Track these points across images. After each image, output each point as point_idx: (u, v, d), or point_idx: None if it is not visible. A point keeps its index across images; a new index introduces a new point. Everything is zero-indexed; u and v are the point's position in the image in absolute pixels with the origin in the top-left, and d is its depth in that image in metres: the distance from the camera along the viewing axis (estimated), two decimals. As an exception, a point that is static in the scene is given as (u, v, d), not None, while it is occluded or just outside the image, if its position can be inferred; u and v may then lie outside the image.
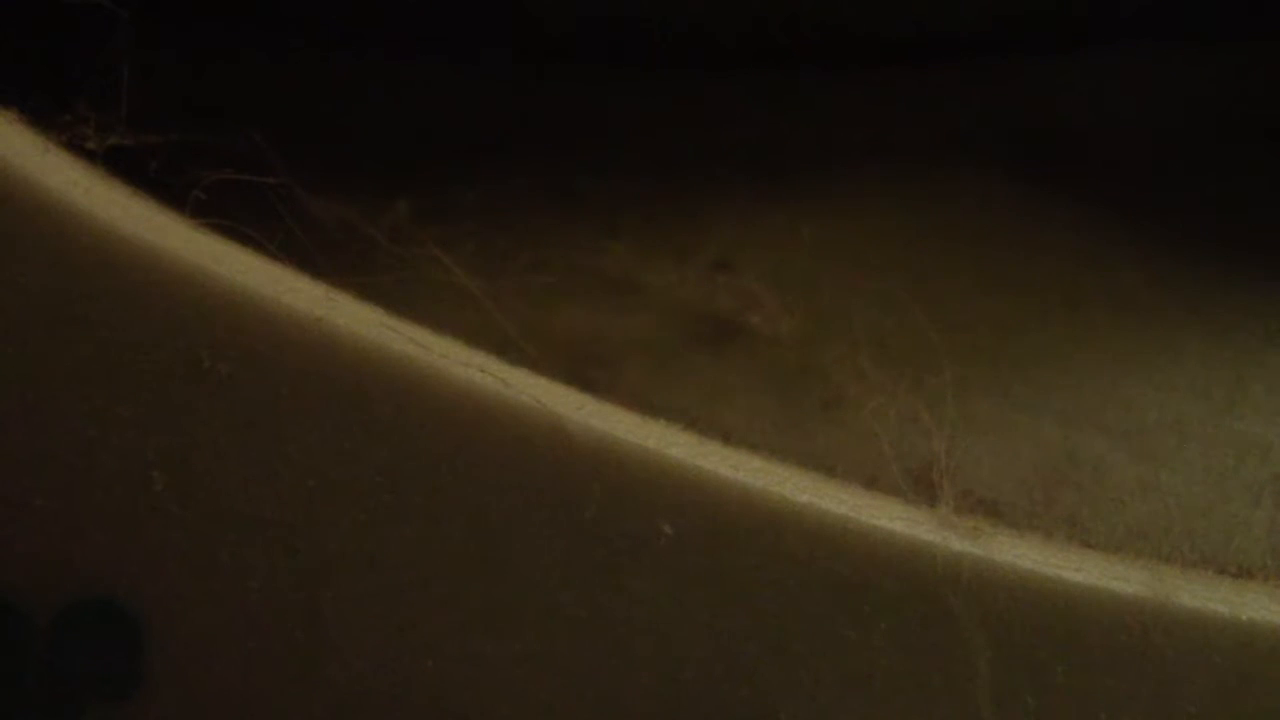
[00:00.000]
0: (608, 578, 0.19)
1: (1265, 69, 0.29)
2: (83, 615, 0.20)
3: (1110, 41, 0.30)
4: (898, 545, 0.19)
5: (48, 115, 0.20)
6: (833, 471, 0.19)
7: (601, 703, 0.19)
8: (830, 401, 0.25)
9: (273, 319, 0.19)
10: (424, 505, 0.19)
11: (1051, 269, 0.27)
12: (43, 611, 0.20)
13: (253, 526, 0.19)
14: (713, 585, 0.19)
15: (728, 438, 0.19)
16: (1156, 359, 0.26)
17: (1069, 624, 0.18)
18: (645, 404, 0.19)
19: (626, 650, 0.19)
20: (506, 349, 0.20)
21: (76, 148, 0.20)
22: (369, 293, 0.20)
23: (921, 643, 0.19)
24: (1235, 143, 0.29)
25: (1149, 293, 0.27)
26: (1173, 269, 0.27)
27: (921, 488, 0.19)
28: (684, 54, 0.30)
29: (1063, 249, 0.28)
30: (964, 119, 0.29)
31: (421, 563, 0.19)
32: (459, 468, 0.19)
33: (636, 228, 0.28)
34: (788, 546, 0.19)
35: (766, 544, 0.19)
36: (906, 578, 0.19)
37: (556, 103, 0.29)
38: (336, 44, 0.29)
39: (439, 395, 0.19)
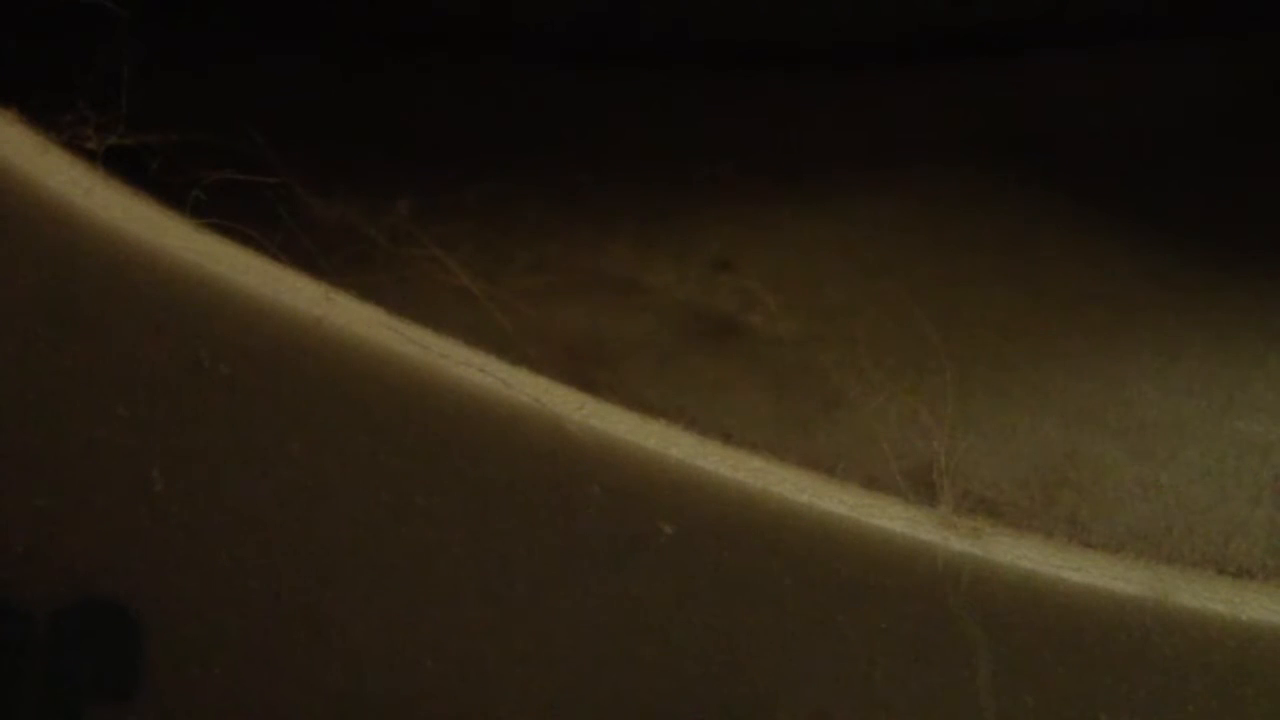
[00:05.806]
0: (608, 578, 0.19)
1: (1266, 66, 0.29)
2: (83, 615, 0.20)
3: (1110, 41, 0.30)
4: (898, 545, 0.19)
5: (48, 115, 0.20)
6: (833, 471, 0.19)
7: (602, 702, 0.19)
8: (830, 401, 0.25)
9: (273, 319, 0.19)
10: (424, 505, 0.19)
11: (1051, 269, 0.27)
12: (43, 611, 0.20)
13: (253, 526, 0.19)
14: (713, 585, 0.19)
15: (728, 438, 0.19)
16: (1156, 359, 0.26)
17: (1069, 624, 0.18)
18: (645, 404, 0.19)
19: (626, 650, 0.19)
20: (506, 349, 0.20)
21: (76, 148, 0.20)
22: (369, 293, 0.20)
23: (921, 643, 0.19)
24: (1235, 143, 0.29)
25: (1149, 292, 0.27)
26: (1173, 268, 0.27)
27: (921, 488, 0.19)
28: (684, 54, 0.30)
29: (1062, 249, 0.28)
30: (964, 119, 0.29)
31: (421, 563, 0.19)
32: (459, 468, 0.19)
33: (636, 228, 0.28)
34: (788, 546, 0.19)
35: (766, 544, 0.19)
36: (906, 578, 0.19)
37: (556, 103, 0.29)
38: (336, 44, 0.29)
39: (439, 395, 0.19)
